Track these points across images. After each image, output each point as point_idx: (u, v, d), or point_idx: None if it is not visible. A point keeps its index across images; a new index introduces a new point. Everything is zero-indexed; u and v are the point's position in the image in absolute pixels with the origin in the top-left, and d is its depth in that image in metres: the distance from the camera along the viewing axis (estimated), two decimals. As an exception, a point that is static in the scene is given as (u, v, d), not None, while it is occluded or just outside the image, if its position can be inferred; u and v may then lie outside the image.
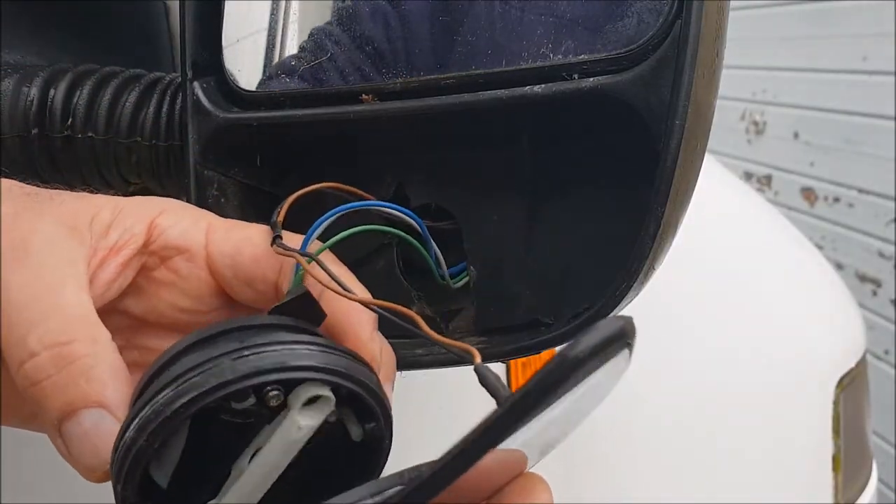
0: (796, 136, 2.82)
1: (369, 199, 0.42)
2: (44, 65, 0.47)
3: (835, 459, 0.91)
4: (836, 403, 0.91)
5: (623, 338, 0.25)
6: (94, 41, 0.52)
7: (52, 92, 0.45)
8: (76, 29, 0.52)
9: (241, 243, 0.35)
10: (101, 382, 0.30)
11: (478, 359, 0.30)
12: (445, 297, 0.42)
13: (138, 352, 0.36)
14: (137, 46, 0.55)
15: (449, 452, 0.25)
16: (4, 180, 0.33)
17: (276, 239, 0.35)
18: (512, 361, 0.71)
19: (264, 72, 0.44)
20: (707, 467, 0.85)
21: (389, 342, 0.41)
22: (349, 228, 0.37)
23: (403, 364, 0.40)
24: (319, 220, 0.36)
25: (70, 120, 0.45)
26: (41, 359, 0.29)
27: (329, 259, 0.35)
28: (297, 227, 0.36)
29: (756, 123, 3.06)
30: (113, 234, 0.33)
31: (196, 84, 0.43)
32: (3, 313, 0.30)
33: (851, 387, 0.94)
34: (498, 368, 0.73)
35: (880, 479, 1.07)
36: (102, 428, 0.30)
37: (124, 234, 0.33)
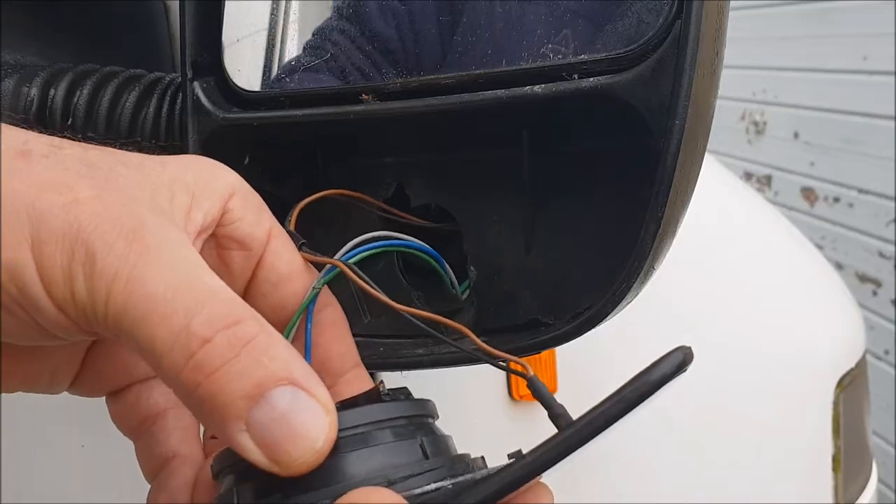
0: (796, 136, 2.82)
1: (369, 201, 0.42)
2: (44, 65, 0.47)
3: (835, 459, 0.91)
4: (836, 403, 0.91)
5: (683, 368, 0.27)
6: (94, 41, 0.52)
7: (52, 92, 0.45)
8: (76, 29, 0.52)
9: (294, 270, 0.34)
10: (284, 359, 0.27)
11: (530, 372, 0.31)
12: (445, 296, 0.42)
13: None
14: (137, 46, 0.55)
15: (510, 468, 0.26)
16: (67, 143, 0.29)
17: (302, 245, 0.34)
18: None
19: (264, 73, 0.44)
20: (707, 467, 0.85)
21: (391, 341, 0.41)
22: (368, 241, 0.37)
23: (404, 364, 0.40)
24: (354, 250, 0.36)
25: (70, 120, 0.45)
26: (216, 343, 0.26)
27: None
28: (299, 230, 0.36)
29: (756, 123, 3.06)
30: (196, 216, 0.30)
31: (196, 84, 0.43)
32: (146, 308, 0.26)
33: (851, 387, 0.94)
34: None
35: (880, 479, 1.07)
36: (301, 406, 0.26)
37: (206, 217, 0.31)
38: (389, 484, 0.27)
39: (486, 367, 0.35)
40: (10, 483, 0.51)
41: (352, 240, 0.36)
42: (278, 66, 0.44)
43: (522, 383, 0.73)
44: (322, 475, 0.27)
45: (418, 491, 0.27)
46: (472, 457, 0.31)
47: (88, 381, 0.34)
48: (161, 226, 0.28)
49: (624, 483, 0.79)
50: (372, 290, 0.33)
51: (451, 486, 0.28)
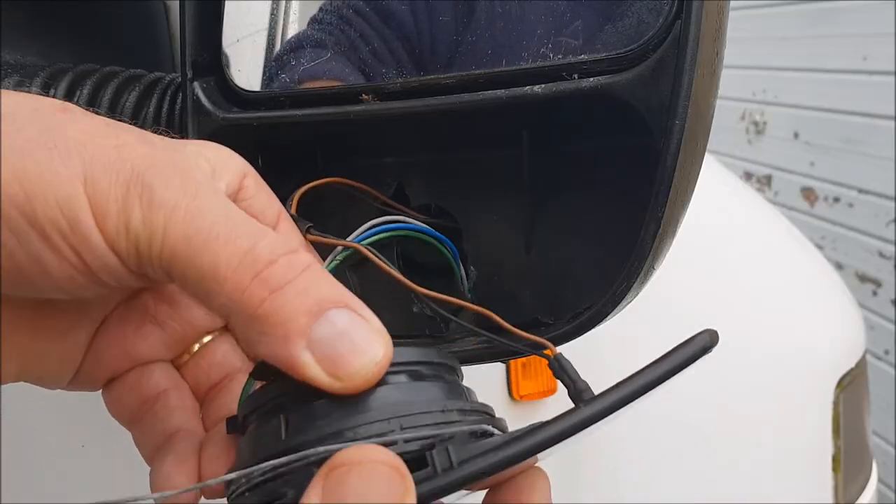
0: (796, 136, 2.82)
1: (368, 191, 0.42)
2: (44, 64, 0.47)
3: (835, 459, 0.91)
4: (836, 403, 0.91)
5: (708, 349, 0.28)
6: (94, 41, 0.52)
7: (52, 92, 0.45)
8: (76, 29, 0.52)
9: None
10: (340, 287, 0.28)
11: (554, 351, 0.31)
12: (444, 295, 0.42)
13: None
14: (137, 46, 0.55)
15: (526, 433, 0.26)
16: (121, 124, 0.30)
17: (309, 228, 0.35)
18: (512, 361, 0.71)
19: (264, 73, 0.44)
20: (707, 467, 0.85)
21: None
22: (380, 224, 0.36)
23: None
24: (367, 232, 0.35)
25: (70, 120, 0.45)
26: (280, 265, 0.27)
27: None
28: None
29: (756, 123, 3.06)
30: (219, 184, 0.32)
31: (196, 84, 0.43)
32: (209, 234, 0.27)
33: (851, 387, 0.94)
34: (498, 368, 0.73)
35: (880, 479, 1.07)
36: (359, 326, 0.28)
37: (227, 187, 0.32)
38: (444, 412, 0.28)
39: (486, 367, 0.35)
40: (10, 483, 0.52)
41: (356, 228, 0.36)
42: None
43: (523, 383, 0.73)
44: (376, 401, 0.28)
45: (470, 428, 0.28)
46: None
47: (89, 369, 0.34)
48: (204, 175, 0.30)
49: (624, 483, 0.79)
50: (390, 270, 0.33)
51: (498, 434, 0.28)
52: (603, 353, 0.76)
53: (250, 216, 0.32)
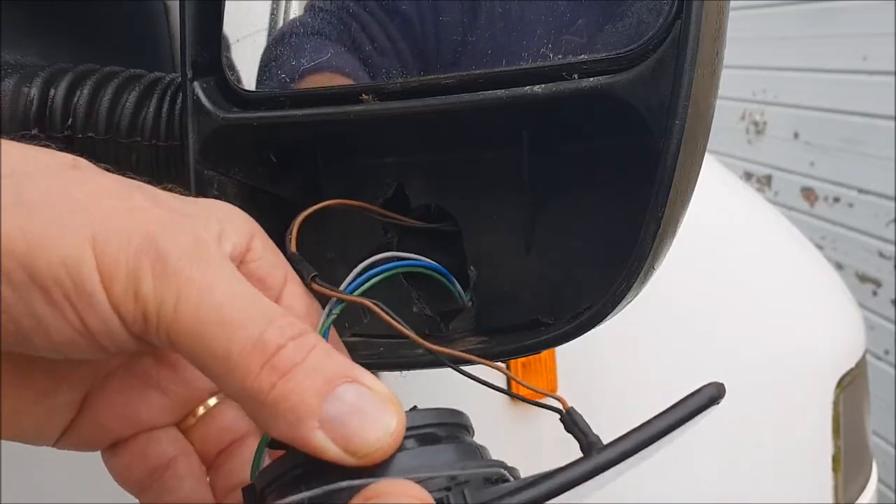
0: (796, 136, 2.82)
1: (368, 208, 0.42)
2: (44, 65, 0.47)
3: (835, 459, 0.91)
4: (835, 403, 0.91)
5: (716, 401, 0.29)
6: (94, 41, 0.52)
7: (52, 92, 0.45)
8: (76, 29, 0.52)
9: (311, 312, 0.34)
10: (344, 361, 0.29)
11: (566, 406, 0.31)
12: (445, 297, 0.42)
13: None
14: (137, 46, 0.55)
15: (539, 479, 0.27)
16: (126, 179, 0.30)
17: (314, 278, 0.34)
18: (512, 361, 0.71)
19: (263, 54, 0.44)
20: (707, 467, 0.85)
21: (392, 341, 0.41)
22: (377, 263, 0.36)
23: (404, 364, 0.40)
24: (365, 274, 0.35)
25: (70, 120, 0.45)
26: (289, 349, 0.28)
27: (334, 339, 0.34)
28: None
29: (756, 123, 3.06)
30: (225, 246, 0.31)
31: (196, 84, 0.43)
32: (221, 316, 0.27)
33: (851, 387, 0.94)
34: (498, 368, 0.72)
35: (880, 479, 1.07)
36: (367, 397, 0.28)
37: (234, 249, 0.32)
38: (463, 469, 0.28)
39: (486, 368, 0.35)
40: (10, 483, 0.52)
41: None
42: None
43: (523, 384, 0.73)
44: (393, 469, 0.28)
45: (485, 473, 0.29)
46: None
47: (88, 431, 0.33)
48: (213, 243, 0.29)
49: (623, 482, 0.79)
50: (399, 327, 0.33)
51: (513, 480, 0.29)
52: (603, 353, 0.76)
53: (259, 278, 0.33)
